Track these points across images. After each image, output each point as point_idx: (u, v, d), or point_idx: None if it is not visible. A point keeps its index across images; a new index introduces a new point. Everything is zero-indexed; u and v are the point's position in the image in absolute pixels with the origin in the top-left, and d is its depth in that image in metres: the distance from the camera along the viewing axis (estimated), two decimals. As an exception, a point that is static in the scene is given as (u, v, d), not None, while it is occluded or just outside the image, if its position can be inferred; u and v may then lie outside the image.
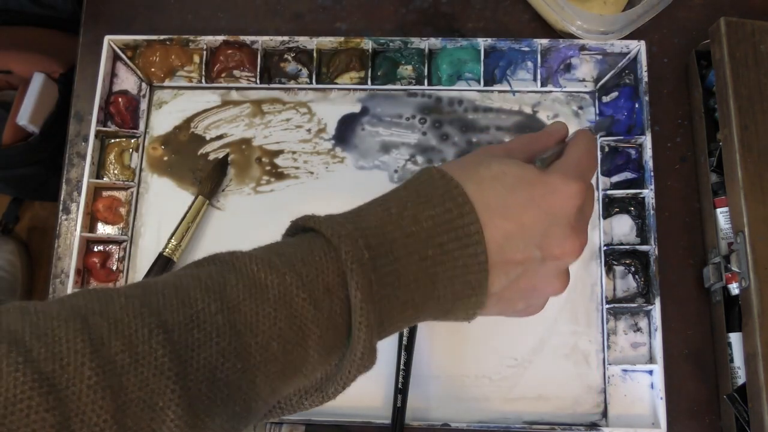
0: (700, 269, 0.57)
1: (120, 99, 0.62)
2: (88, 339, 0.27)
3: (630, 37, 0.59)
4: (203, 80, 0.62)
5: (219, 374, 0.29)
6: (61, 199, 0.62)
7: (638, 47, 0.59)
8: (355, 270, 0.31)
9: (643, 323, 0.56)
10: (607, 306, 0.56)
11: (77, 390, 0.26)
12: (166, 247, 0.57)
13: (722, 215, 0.56)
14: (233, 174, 0.60)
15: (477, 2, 0.64)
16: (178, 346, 0.28)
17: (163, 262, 0.57)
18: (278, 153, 0.61)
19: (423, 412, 0.54)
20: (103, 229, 0.60)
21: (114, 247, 0.60)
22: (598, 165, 0.41)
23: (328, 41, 0.61)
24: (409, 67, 0.62)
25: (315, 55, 0.62)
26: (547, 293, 0.38)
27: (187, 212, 0.58)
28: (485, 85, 0.61)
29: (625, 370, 0.55)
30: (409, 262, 0.33)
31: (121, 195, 0.61)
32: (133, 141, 0.62)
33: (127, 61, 0.62)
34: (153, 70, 0.63)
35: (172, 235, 0.57)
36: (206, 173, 0.59)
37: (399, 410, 0.53)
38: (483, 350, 0.55)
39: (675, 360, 0.56)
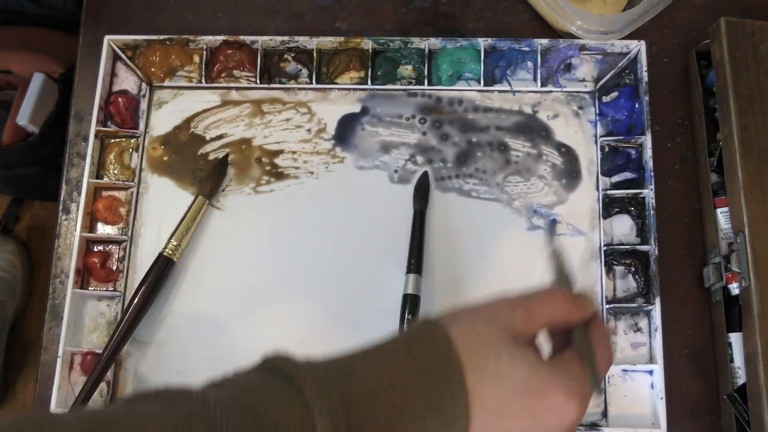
0: (700, 269, 0.57)
1: (120, 99, 0.62)
2: None
3: (630, 37, 0.59)
4: (203, 80, 0.62)
5: None
6: (61, 199, 0.62)
7: (638, 47, 0.59)
8: None
9: (643, 323, 0.56)
10: (607, 306, 0.56)
11: None
12: (166, 247, 0.57)
13: (722, 215, 0.56)
14: (233, 174, 0.60)
15: (477, 2, 0.64)
16: None
17: (163, 262, 0.57)
18: (278, 153, 0.61)
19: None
20: (103, 229, 0.60)
21: (114, 247, 0.60)
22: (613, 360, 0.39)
23: (328, 41, 0.61)
24: (409, 67, 0.62)
25: (315, 55, 0.62)
26: None
27: (187, 212, 0.58)
28: (485, 85, 0.61)
29: (625, 370, 0.55)
30: None
31: (121, 195, 0.61)
32: (133, 141, 0.62)
33: (127, 61, 0.62)
34: (153, 70, 0.63)
35: (172, 235, 0.57)
36: (206, 173, 0.59)
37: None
38: (483, 350, 0.55)
39: (675, 360, 0.56)
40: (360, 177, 0.60)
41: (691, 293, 0.57)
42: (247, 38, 0.62)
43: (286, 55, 0.63)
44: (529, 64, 0.61)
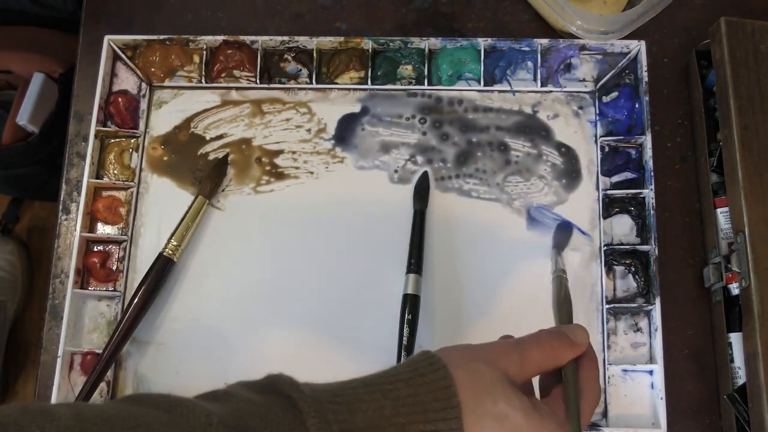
0: (700, 269, 0.57)
1: (120, 99, 0.62)
2: None
3: (630, 37, 0.59)
4: (203, 80, 0.62)
5: None
6: (61, 199, 0.62)
7: (638, 47, 0.59)
8: None
9: (643, 323, 0.56)
10: (607, 306, 0.56)
11: None
12: (166, 247, 0.57)
13: (722, 215, 0.56)
14: (233, 174, 0.60)
15: (477, 2, 0.64)
16: None
17: (163, 262, 0.57)
18: (278, 153, 0.61)
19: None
20: (103, 229, 0.60)
21: (114, 247, 0.60)
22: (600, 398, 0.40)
23: (328, 41, 0.61)
24: (409, 67, 0.62)
25: (315, 55, 0.62)
26: None
27: (187, 212, 0.58)
28: (485, 85, 0.61)
29: (625, 370, 0.55)
30: None
31: (121, 195, 0.61)
32: (133, 141, 0.62)
33: (127, 61, 0.62)
34: (153, 70, 0.63)
35: (172, 235, 0.57)
36: (206, 173, 0.59)
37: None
38: (483, 350, 0.55)
39: (675, 360, 0.56)
40: (360, 177, 0.60)
41: (691, 293, 0.57)
42: (247, 38, 0.62)
43: (286, 55, 0.63)
44: (529, 64, 0.61)
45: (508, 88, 0.61)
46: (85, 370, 0.57)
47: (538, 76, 0.60)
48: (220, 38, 0.62)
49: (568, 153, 0.59)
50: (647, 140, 0.57)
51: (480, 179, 0.59)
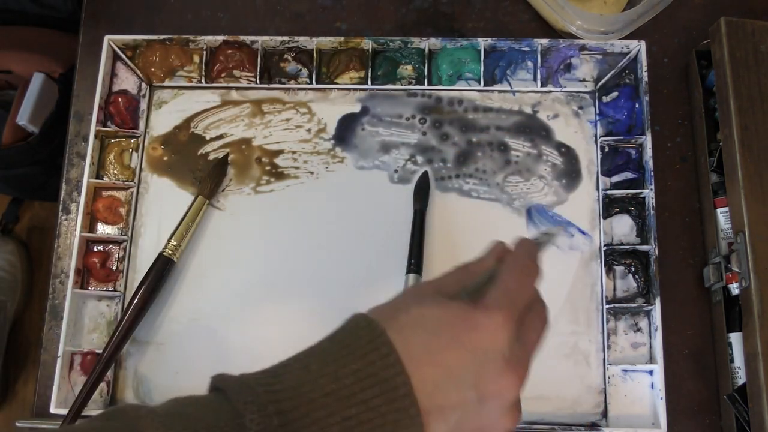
0: (700, 269, 0.57)
1: (120, 99, 0.62)
2: None
3: (630, 37, 0.59)
4: (203, 80, 0.62)
5: None
6: (61, 199, 0.62)
7: (638, 47, 0.59)
8: None
9: (643, 323, 0.56)
10: (607, 306, 0.56)
11: None
12: (166, 247, 0.57)
13: (722, 215, 0.56)
14: (233, 174, 0.60)
15: (477, 2, 0.64)
16: None
17: (163, 262, 0.57)
18: (278, 153, 0.61)
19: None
20: (103, 229, 0.60)
21: (114, 247, 0.60)
22: (538, 274, 0.37)
23: (328, 41, 0.61)
24: (409, 67, 0.62)
25: (315, 55, 0.62)
26: (500, 430, 0.35)
27: (187, 212, 0.58)
28: (485, 85, 0.61)
29: (625, 370, 0.55)
30: (330, 423, 0.30)
31: (121, 195, 0.61)
32: (133, 141, 0.62)
33: (127, 61, 0.62)
34: (153, 70, 0.63)
35: (172, 235, 0.57)
36: (206, 173, 0.59)
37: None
38: (483, 350, 0.55)
39: (675, 360, 0.56)
40: (360, 177, 0.60)
41: (691, 293, 0.57)
42: (247, 38, 0.62)
43: (286, 55, 0.63)
44: (529, 64, 0.61)
45: (508, 88, 0.61)
46: (85, 370, 0.57)
47: (538, 76, 0.60)
48: (220, 38, 0.62)
49: (568, 153, 0.59)
50: (647, 140, 0.57)
51: (480, 179, 0.59)
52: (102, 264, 0.59)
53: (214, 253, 0.59)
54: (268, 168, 0.60)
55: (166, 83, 0.63)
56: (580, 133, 0.60)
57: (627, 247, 0.57)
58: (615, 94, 0.60)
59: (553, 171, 0.59)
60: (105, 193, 0.61)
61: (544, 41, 0.60)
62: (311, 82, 0.62)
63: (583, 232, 0.58)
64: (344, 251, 0.58)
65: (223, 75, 0.63)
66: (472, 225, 0.58)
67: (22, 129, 0.88)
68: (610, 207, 0.58)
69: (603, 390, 0.55)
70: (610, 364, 0.55)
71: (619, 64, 0.60)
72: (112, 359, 0.55)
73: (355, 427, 0.31)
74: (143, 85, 0.63)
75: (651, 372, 0.54)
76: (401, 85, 0.61)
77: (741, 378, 0.53)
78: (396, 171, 0.60)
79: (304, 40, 0.61)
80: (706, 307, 0.57)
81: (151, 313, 0.57)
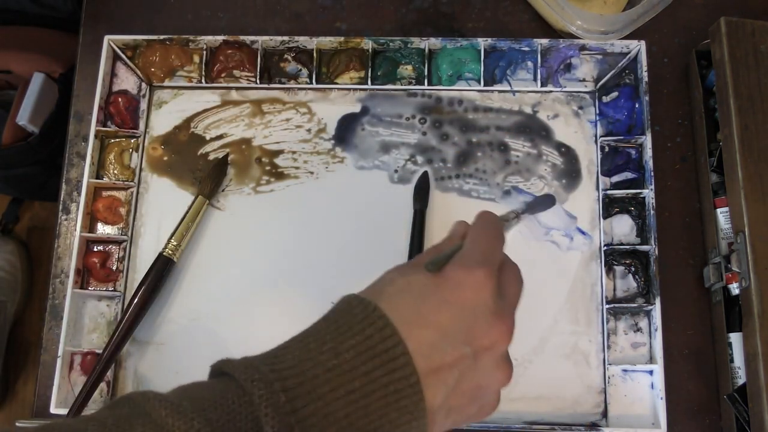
0: (700, 269, 0.57)
1: (120, 99, 0.62)
2: None
3: (630, 37, 0.59)
4: (203, 80, 0.62)
5: None
6: (61, 199, 0.62)
7: (638, 47, 0.59)
8: (270, 415, 0.30)
9: (643, 323, 0.56)
10: (607, 306, 0.56)
11: None
12: (166, 247, 0.57)
13: (722, 215, 0.56)
14: (233, 174, 0.60)
15: (477, 2, 0.64)
16: None
17: (163, 262, 0.57)
18: (278, 153, 0.61)
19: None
20: (103, 229, 0.60)
21: (114, 247, 0.60)
22: (503, 240, 0.39)
23: (328, 41, 0.61)
24: (409, 67, 0.62)
25: (315, 55, 0.62)
26: (495, 387, 0.36)
27: (187, 212, 0.58)
28: (485, 85, 0.61)
29: (625, 370, 0.55)
30: (335, 397, 0.31)
31: (121, 195, 0.61)
32: (133, 141, 0.62)
33: (127, 61, 0.62)
34: (153, 70, 0.63)
35: (172, 235, 0.57)
36: (206, 173, 0.59)
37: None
38: (483, 350, 0.55)
39: (675, 360, 0.56)
40: (360, 177, 0.60)
41: (691, 293, 0.57)
42: (247, 38, 0.62)
43: (286, 55, 0.63)
44: (529, 64, 0.61)
45: (508, 88, 0.61)
46: (85, 370, 0.57)
47: (538, 76, 0.60)
48: (220, 38, 0.62)
49: (568, 153, 0.59)
50: (647, 140, 0.57)
51: (480, 179, 0.59)
52: (102, 264, 0.59)
53: (214, 253, 0.59)
54: (268, 168, 0.60)
55: (166, 83, 0.63)
56: (580, 133, 0.60)
57: (627, 247, 0.57)
58: (615, 94, 0.60)
59: (553, 171, 0.59)
60: (105, 193, 0.61)
61: (544, 41, 0.60)
62: (311, 82, 0.62)
63: (583, 232, 0.58)
64: (344, 251, 0.58)
65: (223, 75, 0.63)
66: (472, 225, 0.58)
67: (22, 129, 0.88)
68: (610, 207, 0.58)
69: (603, 390, 0.55)
70: (610, 364, 0.55)
71: (619, 64, 0.60)
72: (112, 359, 0.55)
73: (359, 399, 0.31)
74: (143, 85, 0.63)
75: (651, 372, 0.54)
76: (401, 85, 0.61)
77: (741, 378, 0.53)
78: (396, 171, 0.60)
79: (304, 40, 0.61)
80: (706, 307, 0.57)
81: (151, 313, 0.57)
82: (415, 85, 0.61)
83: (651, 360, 0.55)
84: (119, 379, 0.57)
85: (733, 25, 0.55)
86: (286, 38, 0.61)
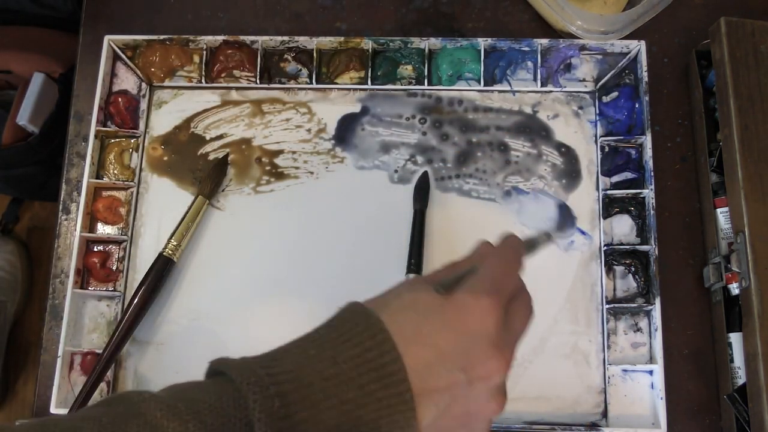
0: (700, 269, 0.57)
1: (120, 99, 0.62)
2: None
3: (630, 37, 0.59)
4: (203, 80, 0.62)
5: None
6: (61, 199, 0.62)
7: (638, 47, 0.59)
8: (262, 420, 0.30)
9: (643, 323, 0.56)
10: (607, 306, 0.56)
11: None
12: (166, 247, 0.57)
13: (722, 215, 0.56)
14: (233, 174, 0.60)
15: (477, 2, 0.64)
16: None
17: (163, 262, 0.57)
18: (278, 153, 0.61)
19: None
20: (103, 229, 0.60)
21: (114, 247, 0.60)
22: (520, 267, 0.39)
23: (328, 41, 0.61)
24: (409, 67, 0.62)
25: (315, 55, 0.62)
26: (486, 416, 0.36)
27: (187, 212, 0.58)
28: (485, 85, 0.61)
29: (625, 370, 0.55)
30: (328, 406, 0.31)
31: (121, 195, 0.61)
32: (133, 141, 0.62)
33: (127, 61, 0.62)
34: (153, 70, 0.63)
35: (172, 235, 0.57)
36: (206, 173, 0.59)
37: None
38: (483, 350, 0.55)
39: (675, 360, 0.56)
40: (360, 177, 0.60)
41: (691, 293, 0.57)
42: (247, 38, 0.62)
43: (286, 55, 0.63)
44: (529, 64, 0.61)
45: (508, 88, 0.61)
46: (85, 370, 0.57)
47: (538, 76, 0.60)
48: (220, 38, 0.62)
49: (568, 153, 0.59)
50: (647, 140, 0.57)
51: (480, 179, 0.59)
52: (102, 264, 0.59)
53: (214, 253, 0.59)
54: (268, 168, 0.60)
55: (166, 83, 0.63)
56: (580, 133, 0.60)
57: (627, 247, 0.57)
58: (615, 94, 0.60)
59: (553, 171, 0.59)
60: (105, 193, 0.61)
61: (544, 41, 0.60)
62: (311, 82, 0.62)
63: (583, 232, 0.58)
64: (344, 251, 0.58)
65: (223, 75, 0.63)
66: (472, 225, 0.58)
67: (22, 129, 0.88)
68: (610, 207, 0.58)
69: (603, 390, 0.55)
70: (610, 364, 0.55)
71: (619, 64, 0.60)
72: (112, 359, 0.55)
73: (352, 410, 0.32)
74: (143, 85, 0.63)
75: (651, 372, 0.54)
76: (401, 85, 0.61)
77: (741, 378, 0.53)
78: (396, 171, 0.60)
79: (304, 40, 0.61)
80: (706, 307, 0.57)
81: (151, 313, 0.57)
82: (415, 85, 0.61)
83: (651, 360, 0.55)
84: (119, 379, 0.57)
85: (733, 25, 0.55)
86: (286, 38, 0.61)
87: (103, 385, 0.56)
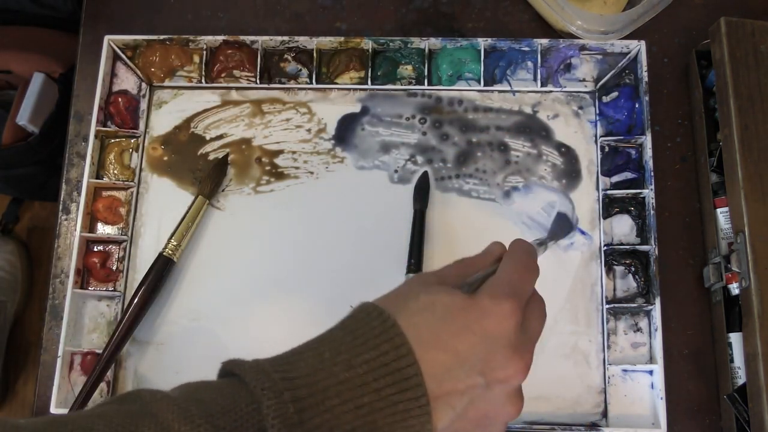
0: (700, 269, 0.57)
1: (120, 99, 0.62)
2: None
3: (630, 37, 0.59)
4: (203, 80, 0.62)
5: None
6: (61, 199, 0.62)
7: (638, 47, 0.59)
8: (276, 426, 0.30)
9: (643, 323, 0.56)
10: (607, 306, 0.56)
11: None
12: (166, 247, 0.57)
13: (722, 215, 0.56)
14: (233, 174, 0.60)
15: (477, 2, 0.64)
16: None
17: (163, 262, 0.57)
18: (278, 153, 0.61)
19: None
20: (103, 229, 0.60)
21: (114, 247, 0.60)
22: (537, 273, 0.39)
23: (328, 41, 0.61)
24: (409, 67, 0.62)
25: (315, 55, 0.62)
26: (502, 419, 0.36)
27: (187, 212, 0.58)
28: (485, 85, 0.61)
29: (625, 370, 0.55)
30: (344, 411, 0.31)
31: (121, 195, 0.61)
32: (133, 141, 0.62)
33: (127, 61, 0.62)
34: (153, 70, 0.63)
35: (172, 235, 0.57)
36: (206, 173, 0.59)
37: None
38: (483, 350, 0.55)
39: (675, 360, 0.56)
40: (360, 177, 0.60)
41: (691, 293, 0.57)
42: (247, 38, 0.62)
43: (286, 55, 0.63)
44: (529, 64, 0.61)
45: (508, 88, 0.61)
46: (85, 370, 0.57)
47: (538, 76, 0.60)
48: (220, 38, 0.62)
49: (568, 153, 0.59)
50: (647, 140, 0.57)
51: (480, 179, 0.59)
52: (102, 264, 0.59)
53: (214, 253, 0.59)
54: (268, 168, 0.60)
55: (166, 83, 0.63)
56: (580, 133, 0.60)
57: (627, 247, 0.57)
58: (615, 94, 0.60)
59: (553, 171, 0.59)
60: (105, 193, 0.61)
61: (544, 41, 0.60)
62: (311, 82, 0.62)
63: (583, 232, 0.58)
64: (344, 251, 0.58)
65: (223, 75, 0.63)
66: (472, 225, 0.58)
67: (22, 129, 0.88)
68: (610, 207, 0.58)
69: (603, 390, 0.55)
70: (610, 364, 0.55)
71: (619, 64, 0.60)
72: (112, 359, 0.55)
73: (367, 414, 0.31)
74: (143, 85, 0.63)
75: (651, 372, 0.54)
76: (401, 85, 0.61)
77: (741, 378, 0.53)
78: (396, 171, 0.60)
79: (304, 40, 0.61)
80: (706, 307, 0.57)
81: (151, 313, 0.57)
82: (415, 85, 0.61)
83: (651, 360, 0.55)
84: (119, 379, 0.57)
85: (733, 25, 0.55)
86: (286, 38, 0.61)
87: (103, 385, 0.56)
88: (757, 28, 0.55)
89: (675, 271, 0.58)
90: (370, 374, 0.32)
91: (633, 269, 0.57)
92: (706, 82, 0.59)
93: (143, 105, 0.62)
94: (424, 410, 0.32)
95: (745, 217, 0.52)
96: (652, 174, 0.57)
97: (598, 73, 0.61)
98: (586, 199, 0.58)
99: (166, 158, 0.61)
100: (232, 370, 0.33)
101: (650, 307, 0.55)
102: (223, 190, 0.60)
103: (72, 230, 0.61)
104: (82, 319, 0.58)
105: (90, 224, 0.60)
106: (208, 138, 0.61)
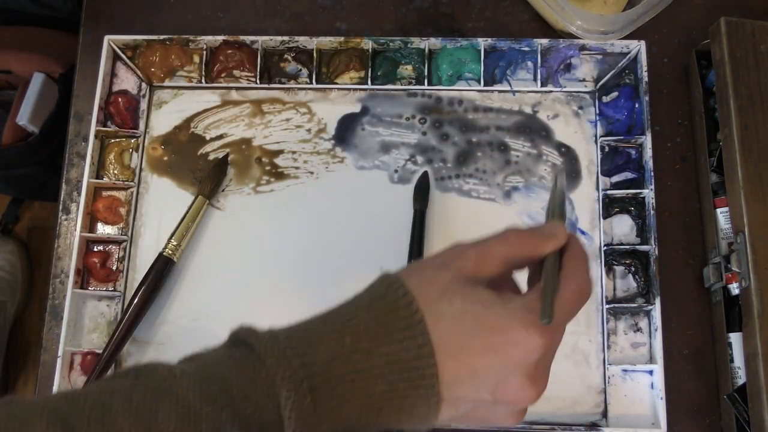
0: (700, 269, 0.57)
1: (120, 99, 0.62)
2: None
3: (630, 37, 0.59)
4: (203, 80, 0.62)
5: None
6: (61, 199, 0.62)
7: (638, 47, 0.59)
8: (294, 418, 0.30)
9: (643, 323, 0.56)
10: (607, 306, 0.56)
11: None
12: (166, 247, 0.57)
13: (722, 215, 0.56)
14: (233, 174, 0.60)
15: (477, 2, 0.64)
16: None
17: (163, 262, 0.57)
18: (278, 153, 0.61)
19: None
20: (103, 229, 0.60)
21: (114, 247, 0.60)
22: (587, 299, 0.36)
23: (328, 41, 0.61)
24: (409, 67, 0.62)
25: (315, 55, 0.62)
26: (500, 424, 0.36)
27: (187, 212, 0.58)
28: (485, 85, 0.61)
29: (625, 370, 0.55)
30: (356, 397, 0.32)
31: (121, 195, 0.61)
32: (133, 141, 0.62)
33: (127, 61, 0.62)
34: (153, 70, 0.63)
35: (172, 235, 0.57)
36: (206, 173, 0.59)
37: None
38: (483, 350, 0.55)
39: (675, 360, 0.56)
40: (360, 177, 0.60)
41: (691, 293, 0.57)
42: (247, 38, 0.62)
43: (286, 55, 0.63)
44: (529, 64, 0.61)
45: (508, 88, 0.61)
46: (85, 370, 0.57)
47: (538, 76, 0.60)
48: (220, 38, 0.62)
49: (568, 153, 0.59)
50: (647, 140, 0.57)
51: (480, 179, 0.59)
52: (102, 264, 0.59)
53: (214, 253, 0.59)
54: (268, 168, 0.60)
55: (166, 83, 0.63)
56: (580, 133, 0.60)
57: (627, 247, 0.57)
58: (615, 94, 0.60)
59: (553, 171, 0.59)
60: (105, 193, 0.61)
61: (544, 41, 0.60)
62: (311, 82, 0.62)
63: (583, 232, 0.58)
64: (344, 251, 0.58)
65: (223, 75, 0.63)
66: (472, 225, 0.58)
67: (22, 129, 0.88)
68: (610, 207, 0.58)
69: (603, 390, 0.55)
70: (610, 364, 0.55)
71: (619, 64, 0.60)
72: (112, 359, 0.55)
73: (376, 402, 0.32)
74: (143, 85, 0.63)
75: (651, 372, 0.54)
76: (401, 85, 0.61)
77: (741, 378, 0.53)
78: (396, 171, 0.60)
79: (304, 40, 0.61)
80: (706, 307, 0.57)
81: (151, 313, 0.57)
82: (415, 85, 0.61)
83: (651, 360, 0.55)
84: (119, 379, 0.57)
85: (733, 25, 0.55)
86: (286, 38, 0.61)
87: (103, 385, 0.56)
88: (757, 28, 0.55)
89: (675, 271, 0.58)
90: (388, 367, 0.32)
91: (633, 269, 0.57)
92: (706, 82, 0.59)
93: (143, 105, 0.62)
94: (433, 409, 0.33)
95: (745, 217, 0.52)
96: (652, 174, 0.57)
97: (598, 73, 0.61)
98: (586, 199, 0.58)
99: (166, 158, 0.61)
100: (246, 339, 0.33)
101: (650, 307, 0.55)
102: (223, 190, 0.60)
103: (72, 230, 0.61)
104: (82, 319, 0.58)
105: (90, 224, 0.60)
106: (208, 138, 0.61)
